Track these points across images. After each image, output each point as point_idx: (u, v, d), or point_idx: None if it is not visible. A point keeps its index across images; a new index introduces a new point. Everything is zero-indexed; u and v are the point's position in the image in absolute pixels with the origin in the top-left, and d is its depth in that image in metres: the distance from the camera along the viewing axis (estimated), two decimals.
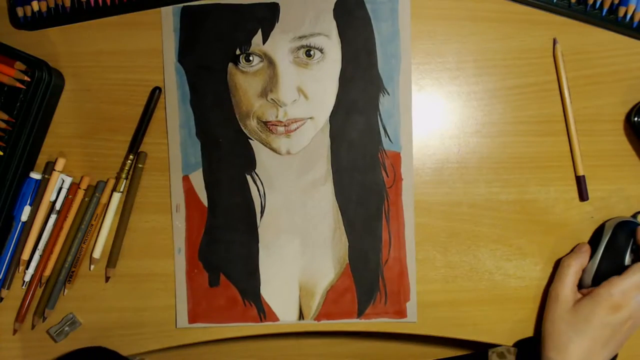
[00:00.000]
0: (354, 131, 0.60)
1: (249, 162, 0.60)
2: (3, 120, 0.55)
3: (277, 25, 0.59)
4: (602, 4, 0.58)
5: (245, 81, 0.59)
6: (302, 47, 0.59)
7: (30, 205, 0.59)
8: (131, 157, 0.59)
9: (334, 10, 0.59)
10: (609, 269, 0.56)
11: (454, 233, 0.61)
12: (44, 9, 0.59)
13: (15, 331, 0.61)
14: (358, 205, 0.60)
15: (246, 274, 0.61)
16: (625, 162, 0.60)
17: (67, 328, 0.61)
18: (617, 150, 0.60)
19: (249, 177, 0.60)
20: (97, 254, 0.60)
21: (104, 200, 0.60)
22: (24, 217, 0.59)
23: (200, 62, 0.60)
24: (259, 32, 0.59)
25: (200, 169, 0.60)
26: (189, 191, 0.60)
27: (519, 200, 0.60)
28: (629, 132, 0.59)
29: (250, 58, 0.59)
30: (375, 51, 0.59)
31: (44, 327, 0.61)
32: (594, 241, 0.59)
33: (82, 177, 0.60)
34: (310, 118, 0.60)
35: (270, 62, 0.59)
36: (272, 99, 0.59)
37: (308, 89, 0.59)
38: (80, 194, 0.60)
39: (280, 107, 0.59)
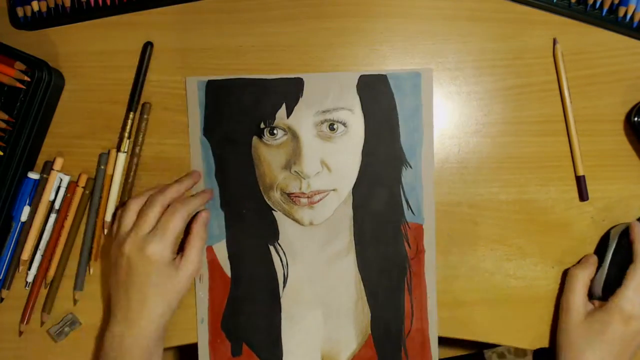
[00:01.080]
0: (377, 203, 0.60)
1: (272, 233, 0.60)
2: (3, 120, 0.55)
3: (301, 99, 0.59)
4: (602, 4, 0.58)
5: (269, 154, 0.59)
6: (326, 121, 0.59)
7: (29, 205, 0.59)
8: (131, 115, 0.59)
9: (358, 85, 0.59)
10: (617, 277, 0.56)
11: (454, 233, 0.60)
12: (44, 9, 0.59)
13: (21, 333, 0.60)
14: (380, 276, 0.60)
15: (269, 344, 0.60)
16: (625, 162, 0.60)
17: (67, 328, 0.60)
18: (617, 150, 0.60)
19: (271, 248, 0.60)
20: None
21: (109, 171, 0.59)
22: (24, 217, 0.59)
23: (225, 135, 0.59)
24: (283, 106, 0.59)
25: (224, 240, 0.60)
26: (213, 262, 0.60)
27: (519, 200, 0.60)
28: (629, 132, 0.59)
29: (275, 131, 0.59)
30: (398, 125, 0.59)
31: (44, 327, 0.61)
32: (601, 249, 0.59)
33: (79, 175, 0.59)
34: (334, 190, 0.59)
35: (294, 136, 0.59)
36: (295, 171, 0.59)
37: (331, 162, 0.59)
38: (79, 192, 0.59)
39: (304, 179, 0.59)
